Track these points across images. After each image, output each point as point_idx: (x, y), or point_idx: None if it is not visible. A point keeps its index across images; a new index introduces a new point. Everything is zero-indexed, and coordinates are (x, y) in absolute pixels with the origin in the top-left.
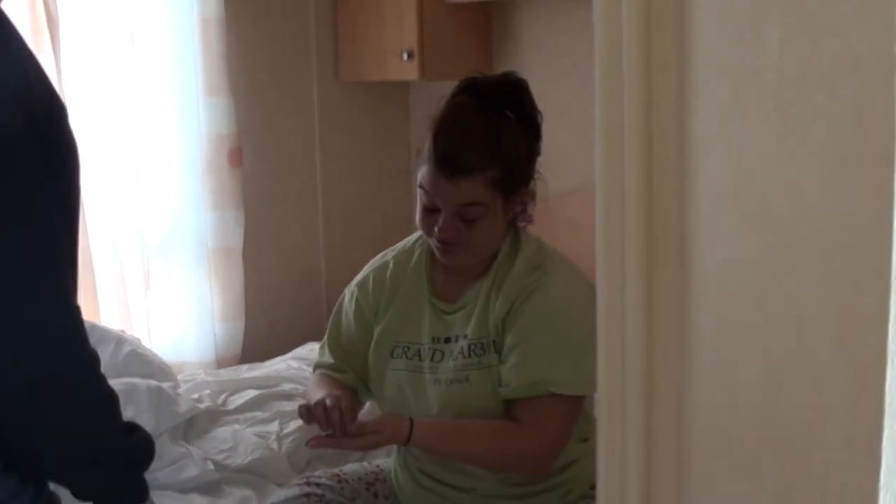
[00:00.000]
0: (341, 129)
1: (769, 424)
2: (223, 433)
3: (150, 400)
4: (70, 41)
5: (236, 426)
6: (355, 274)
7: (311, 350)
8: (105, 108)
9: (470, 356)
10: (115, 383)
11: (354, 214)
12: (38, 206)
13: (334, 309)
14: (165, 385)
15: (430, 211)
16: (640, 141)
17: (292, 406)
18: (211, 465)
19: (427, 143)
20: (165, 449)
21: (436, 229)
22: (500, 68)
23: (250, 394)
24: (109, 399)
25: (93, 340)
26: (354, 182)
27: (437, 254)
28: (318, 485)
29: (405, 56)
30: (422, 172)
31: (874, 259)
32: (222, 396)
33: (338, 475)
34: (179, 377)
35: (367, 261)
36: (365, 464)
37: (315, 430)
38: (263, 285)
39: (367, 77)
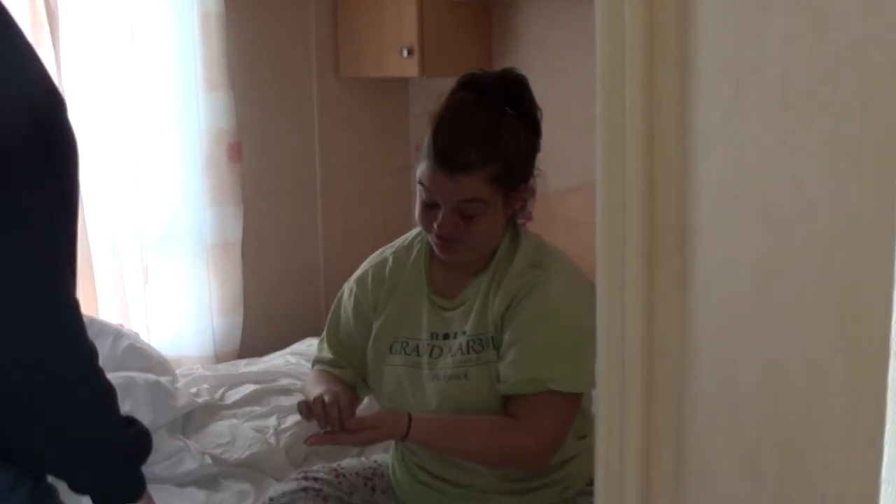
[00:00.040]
0: (341, 126)
1: (769, 423)
2: (221, 427)
3: (148, 394)
4: (70, 35)
5: (234, 420)
6: (354, 270)
7: (310, 345)
8: (104, 102)
9: (468, 352)
10: (113, 377)
11: (353, 210)
12: (39, 206)
13: (333, 304)
14: (164, 379)
15: (429, 207)
16: (642, 138)
17: (290, 401)
18: (209, 459)
19: (426, 139)
20: (163, 443)
21: (435, 225)
22: (500, 65)
23: (248, 388)
24: (107, 393)
25: (91, 334)
26: (354, 178)
27: (437, 250)
28: (315, 479)
29: (405, 53)
30: (421, 168)
31: (876, 256)
32: (220, 391)
33: (335, 470)
34: (178, 371)
35: (366, 256)
36: (363, 459)
37: (314, 426)
38: (262, 281)
39: (366, 73)
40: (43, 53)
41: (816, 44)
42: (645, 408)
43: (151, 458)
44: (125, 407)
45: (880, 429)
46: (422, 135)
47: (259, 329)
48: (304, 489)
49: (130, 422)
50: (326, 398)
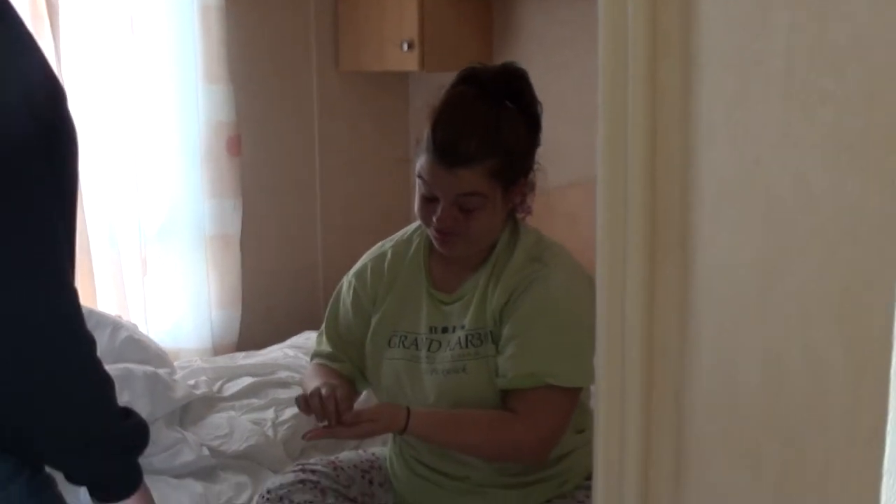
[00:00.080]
0: (341, 119)
1: (770, 419)
2: (219, 419)
3: (146, 386)
4: (70, 27)
5: (232, 413)
6: (353, 263)
7: (308, 338)
8: (104, 94)
9: (467, 346)
10: (111, 369)
11: (353, 203)
12: (39, 203)
13: (332, 298)
14: (162, 371)
15: (428, 200)
16: (644, 131)
17: (288, 394)
18: (206, 451)
19: (426, 133)
20: (161, 434)
21: (434, 219)
22: (500, 59)
23: (246, 381)
24: (106, 384)
25: (89, 325)
26: (353, 171)
27: (436, 244)
28: (313, 471)
29: (405, 46)
30: (420, 162)
31: (880, 249)
32: (218, 383)
33: (333, 462)
34: (176, 363)
35: (365, 250)
36: (360, 452)
37: (312, 419)
38: (261, 273)
39: (366, 67)
40: (43, 45)
41: (820, 36)
42: (644, 405)
43: (149, 449)
44: (123, 398)
45: (882, 427)
46: (422, 129)
47: (257, 322)
48: (302, 481)
49: (128, 413)
50: (323, 391)
